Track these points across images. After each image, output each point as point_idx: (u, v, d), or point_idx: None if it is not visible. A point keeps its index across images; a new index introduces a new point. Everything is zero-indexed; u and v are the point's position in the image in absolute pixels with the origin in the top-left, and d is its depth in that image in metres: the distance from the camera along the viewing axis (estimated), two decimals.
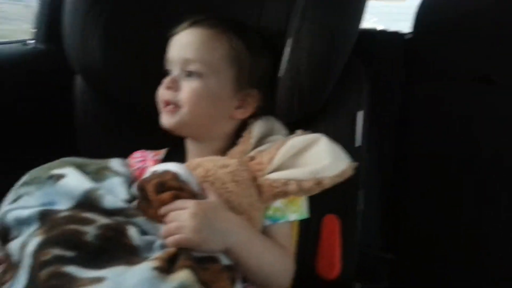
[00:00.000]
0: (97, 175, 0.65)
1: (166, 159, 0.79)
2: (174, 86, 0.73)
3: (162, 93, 0.74)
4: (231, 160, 0.68)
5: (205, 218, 0.59)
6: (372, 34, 1.24)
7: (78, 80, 0.89)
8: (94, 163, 0.68)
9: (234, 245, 0.60)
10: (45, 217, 0.58)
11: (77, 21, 0.79)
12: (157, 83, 0.75)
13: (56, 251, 0.51)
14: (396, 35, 1.20)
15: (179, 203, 0.60)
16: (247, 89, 0.76)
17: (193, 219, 0.58)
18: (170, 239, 0.57)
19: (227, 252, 0.60)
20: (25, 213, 0.58)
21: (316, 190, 0.64)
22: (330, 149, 0.66)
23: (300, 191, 0.64)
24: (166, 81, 0.73)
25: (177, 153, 0.79)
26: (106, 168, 0.68)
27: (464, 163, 1.06)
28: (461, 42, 1.04)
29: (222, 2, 0.86)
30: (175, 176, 0.62)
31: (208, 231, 0.59)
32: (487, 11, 1.01)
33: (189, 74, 0.73)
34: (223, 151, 0.74)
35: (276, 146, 0.68)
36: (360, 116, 0.79)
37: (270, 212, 0.70)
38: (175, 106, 0.73)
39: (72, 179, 0.62)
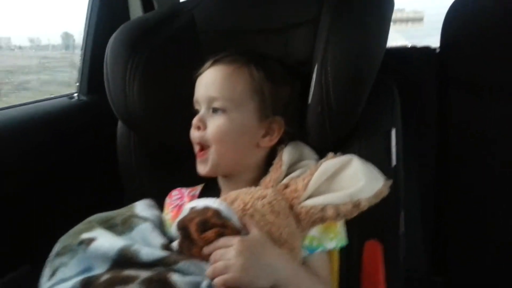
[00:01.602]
0: (125, 226, 0.65)
1: (201, 194, 0.81)
2: (202, 125, 0.75)
3: (192, 133, 0.77)
4: (267, 190, 0.68)
5: (251, 255, 0.58)
6: (403, 51, 1.24)
7: (120, 126, 0.94)
8: (119, 214, 0.68)
9: (281, 280, 0.59)
10: (87, 285, 0.57)
11: (118, 70, 0.84)
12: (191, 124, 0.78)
13: None
14: (426, 50, 1.18)
15: (223, 240, 0.59)
16: (271, 117, 0.77)
17: (240, 257, 0.57)
18: (218, 280, 0.56)
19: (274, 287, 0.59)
20: (66, 286, 0.58)
21: (354, 213, 0.63)
22: (363, 170, 0.65)
23: (338, 215, 0.63)
24: (194, 121, 0.76)
25: (212, 188, 0.81)
26: (133, 216, 0.68)
27: (509, 178, 1.00)
28: (490, 54, 1.00)
29: (248, 38, 0.89)
30: (216, 212, 0.61)
31: (256, 268, 0.58)
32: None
33: (215, 111, 0.75)
34: (256, 181, 0.75)
35: (310, 171, 0.67)
36: (394, 134, 0.78)
37: (306, 242, 0.68)
38: (205, 149, 0.75)
39: (103, 241, 0.61)
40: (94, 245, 0.61)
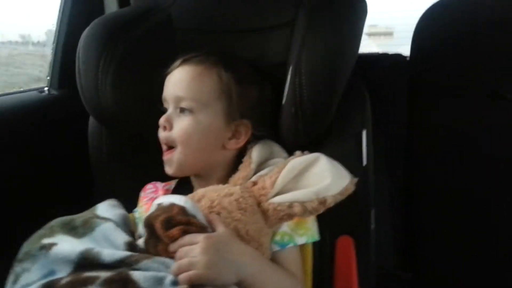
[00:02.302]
0: (86, 226, 0.64)
1: (176, 188, 0.81)
2: (168, 125, 0.75)
3: (160, 133, 0.77)
4: (234, 188, 0.68)
5: (216, 252, 0.58)
6: (375, 57, 1.27)
7: (91, 122, 0.92)
8: (80, 216, 0.67)
9: (247, 276, 0.60)
10: None
11: (90, 65, 0.83)
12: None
13: None
14: (398, 57, 1.22)
15: (188, 238, 0.59)
16: (238, 120, 0.77)
17: (205, 254, 0.57)
18: (183, 276, 0.56)
19: (240, 284, 0.59)
20: None
21: (321, 210, 0.64)
22: (330, 168, 0.66)
23: (305, 212, 0.64)
24: (161, 121, 0.76)
25: (186, 181, 0.80)
26: (94, 217, 0.67)
27: (475, 178, 1.05)
28: (457, 61, 1.05)
29: (224, 38, 0.90)
30: (182, 210, 0.61)
31: (220, 265, 0.58)
32: (482, 28, 1.03)
33: (182, 110, 0.75)
34: (226, 179, 0.75)
35: (277, 169, 0.68)
36: (365, 135, 0.80)
37: (277, 238, 0.69)
38: (171, 148, 0.75)
39: (64, 245, 0.61)
40: (55, 250, 0.60)
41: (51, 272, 0.58)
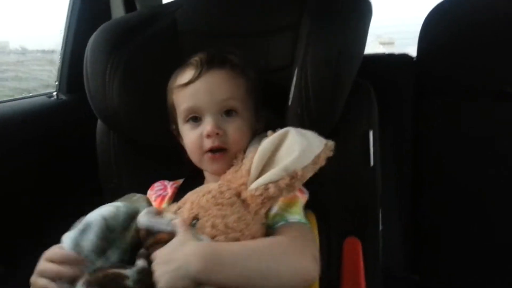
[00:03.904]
0: None
1: (184, 186, 0.81)
2: (221, 131, 0.74)
3: (206, 142, 0.74)
4: (213, 185, 0.68)
5: (164, 265, 0.57)
6: (381, 58, 1.27)
7: (100, 126, 0.93)
8: None
9: (198, 274, 0.57)
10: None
11: (97, 69, 0.84)
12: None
13: None
14: (404, 57, 1.21)
15: (153, 256, 0.59)
16: (259, 112, 0.80)
17: (157, 270, 0.57)
18: None
19: (200, 283, 0.57)
20: None
21: (296, 184, 0.62)
22: (299, 140, 0.63)
23: (280, 191, 0.62)
24: (209, 130, 0.73)
25: (194, 180, 0.80)
26: None
27: (484, 178, 1.04)
28: (464, 60, 1.05)
29: (229, 41, 0.90)
30: (147, 230, 0.62)
31: (167, 275, 0.56)
32: (489, 27, 1.02)
33: (228, 113, 0.75)
34: None
35: (251, 155, 0.67)
36: (372, 136, 0.79)
37: (269, 221, 0.68)
38: (221, 152, 0.74)
39: None
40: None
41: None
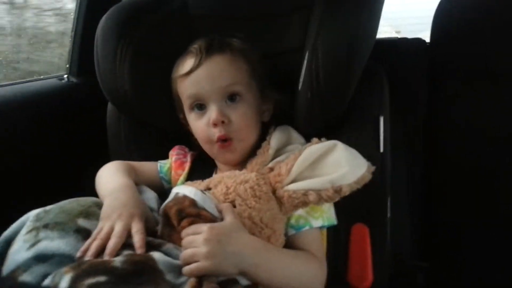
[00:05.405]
0: None
1: (197, 160, 0.83)
2: (226, 119, 0.74)
3: (214, 131, 0.74)
4: (250, 175, 0.69)
5: (217, 243, 0.58)
6: (394, 42, 1.24)
7: (110, 108, 0.94)
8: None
9: (249, 267, 0.60)
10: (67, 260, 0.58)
11: (108, 52, 0.84)
12: None
13: (89, 281, 0.52)
14: (417, 42, 1.19)
15: (193, 228, 0.61)
16: (264, 94, 0.80)
17: (206, 245, 0.58)
18: (186, 269, 0.57)
19: (243, 274, 0.59)
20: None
21: (336, 198, 0.64)
22: (347, 156, 0.65)
23: (320, 200, 0.64)
24: (214, 118, 0.73)
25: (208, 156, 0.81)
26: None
27: (497, 166, 1.02)
28: (479, 44, 1.02)
29: (241, 24, 0.89)
30: (192, 202, 0.63)
31: (220, 256, 0.58)
32: (505, 9, 0.99)
33: (231, 98, 0.75)
34: (246, 160, 0.76)
35: (294, 156, 0.68)
36: (382, 121, 0.78)
37: (292, 221, 0.69)
38: (229, 140, 0.74)
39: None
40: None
41: (72, 255, 0.59)
